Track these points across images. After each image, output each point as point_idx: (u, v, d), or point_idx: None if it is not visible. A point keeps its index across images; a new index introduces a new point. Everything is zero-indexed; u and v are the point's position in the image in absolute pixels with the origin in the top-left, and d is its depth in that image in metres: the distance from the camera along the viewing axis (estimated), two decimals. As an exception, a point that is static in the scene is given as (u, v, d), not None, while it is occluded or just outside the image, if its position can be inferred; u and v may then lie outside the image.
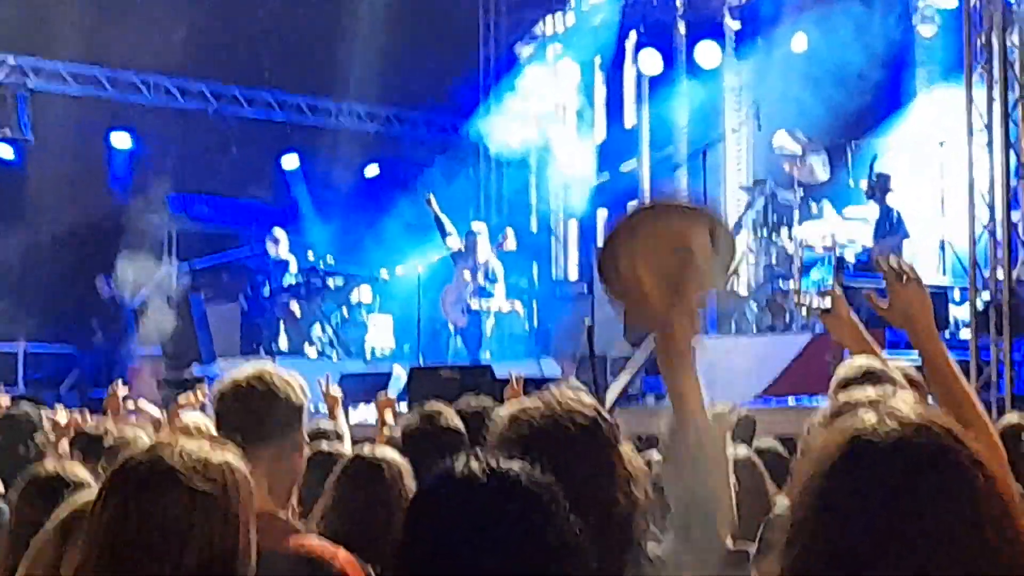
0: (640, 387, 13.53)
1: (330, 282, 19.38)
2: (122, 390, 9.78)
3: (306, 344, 19.29)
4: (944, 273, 15.93)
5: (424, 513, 2.45)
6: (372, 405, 11.56)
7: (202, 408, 8.19)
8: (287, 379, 4.11)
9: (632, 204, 3.70)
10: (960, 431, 2.16)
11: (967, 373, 12.69)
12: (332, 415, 8.50)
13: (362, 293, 19.79)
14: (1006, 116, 13.67)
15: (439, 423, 5.80)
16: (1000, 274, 13.50)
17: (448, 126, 24.04)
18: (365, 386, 15.21)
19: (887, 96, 18.61)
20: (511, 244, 18.50)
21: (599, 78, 22.43)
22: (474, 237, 18.34)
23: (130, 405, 9.29)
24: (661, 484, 3.45)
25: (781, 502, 6.20)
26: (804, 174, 16.38)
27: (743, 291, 16.89)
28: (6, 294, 20.18)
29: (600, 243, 3.56)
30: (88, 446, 8.22)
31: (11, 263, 20.88)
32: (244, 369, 4.17)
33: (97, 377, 19.05)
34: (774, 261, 15.90)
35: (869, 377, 4.69)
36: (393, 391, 14.74)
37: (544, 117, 22.68)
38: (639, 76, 21.81)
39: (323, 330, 19.56)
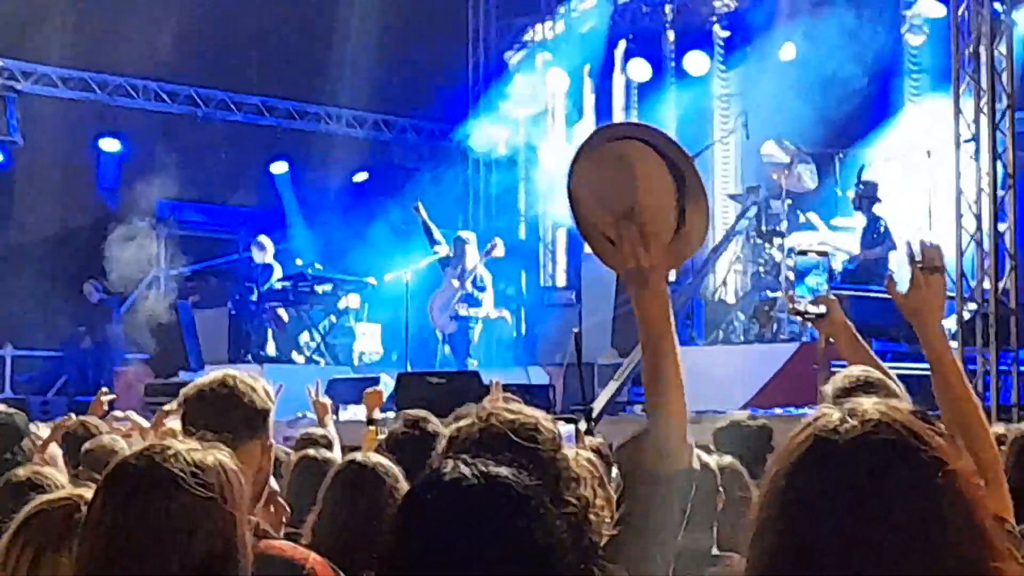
0: (628, 396, 13.54)
1: (318, 288, 19.36)
2: (108, 397, 9.78)
3: (294, 351, 19.28)
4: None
5: (414, 515, 2.47)
6: (361, 405, 11.57)
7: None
8: (251, 383, 4.14)
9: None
10: (921, 428, 2.16)
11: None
12: (321, 422, 8.51)
13: (350, 300, 19.78)
14: (993, 126, 13.71)
15: (424, 429, 5.81)
16: (987, 284, 13.54)
17: (437, 132, 24.05)
18: (353, 391, 15.21)
19: (875, 105, 18.66)
20: (499, 252, 18.51)
21: (588, 86, 22.43)
22: (462, 244, 18.35)
23: (118, 413, 9.28)
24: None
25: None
26: (792, 183, 16.41)
27: (731, 300, 16.92)
28: (-7, 297, 20.16)
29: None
30: (74, 446, 8.24)
31: (-1, 266, 20.88)
32: (209, 375, 4.20)
33: (84, 382, 19.03)
34: (762, 270, 15.92)
35: (867, 387, 4.69)
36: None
37: (533, 125, 22.70)
38: (628, 84, 21.84)
39: (311, 337, 19.55)
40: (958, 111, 13.93)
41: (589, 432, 8.01)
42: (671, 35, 21.43)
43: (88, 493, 3.63)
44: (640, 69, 21.15)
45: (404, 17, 21.29)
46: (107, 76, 21.03)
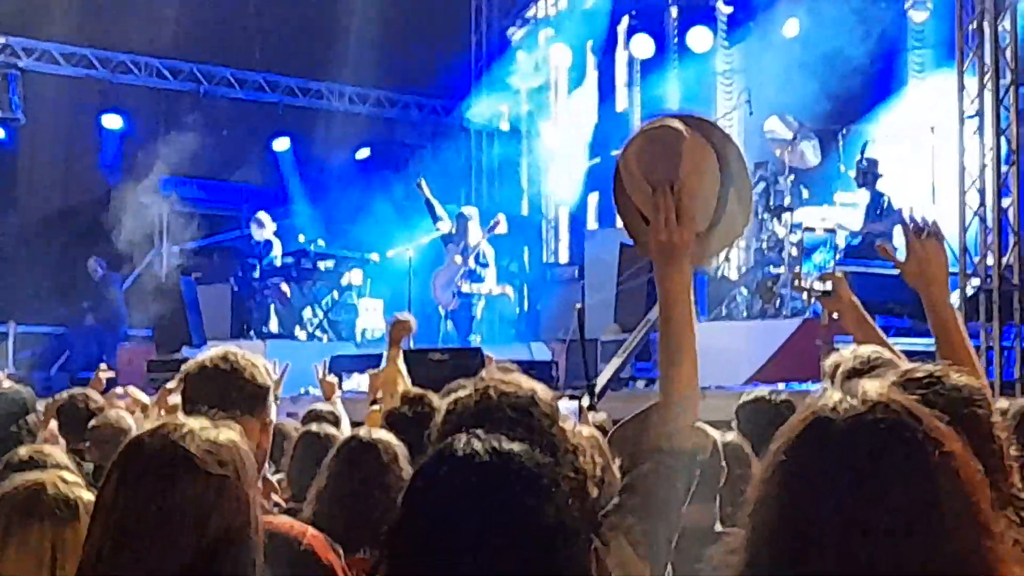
0: (631, 371, 13.54)
1: (321, 265, 19.36)
2: (107, 373, 9.78)
3: (297, 327, 19.29)
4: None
5: (424, 490, 2.46)
6: (364, 374, 11.56)
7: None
8: (252, 360, 4.15)
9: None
10: (921, 410, 2.17)
11: (957, 359, 12.69)
12: (329, 401, 8.50)
13: (353, 276, 19.78)
14: (997, 102, 13.68)
15: (423, 407, 5.81)
16: (990, 260, 13.52)
17: (440, 109, 24.03)
18: (356, 367, 15.23)
19: (878, 82, 18.63)
20: (502, 228, 18.49)
21: (591, 62, 22.40)
22: (465, 221, 18.33)
23: (119, 390, 9.29)
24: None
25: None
26: (795, 159, 16.39)
27: (733, 276, 16.91)
28: (-3, 273, 20.18)
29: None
30: (71, 419, 8.25)
31: (1, 244, 20.87)
32: (210, 351, 4.20)
33: (87, 358, 19.03)
34: (765, 246, 15.91)
35: (877, 368, 4.66)
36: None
37: (535, 101, 22.68)
38: (631, 60, 21.81)
39: (314, 313, 19.56)
40: (962, 87, 13.90)
41: (592, 408, 8.00)
42: (674, 11, 21.37)
43: (68, 475, 3.64)
44: (643, 45, 21.10)
45: (407, -7, 21.28)
46: (109, 53, 21.01)
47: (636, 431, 3.36)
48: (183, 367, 4.23)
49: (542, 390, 3.23)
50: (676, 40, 21.10)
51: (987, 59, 13.79)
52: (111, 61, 21.09)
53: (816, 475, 2.12)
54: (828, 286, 5.48)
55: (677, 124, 3.56)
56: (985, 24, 13.82)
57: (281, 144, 22.73)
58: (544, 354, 16.60)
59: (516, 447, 2.47)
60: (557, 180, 22.02)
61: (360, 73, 21.98)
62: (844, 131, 17.60)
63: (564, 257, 22.38)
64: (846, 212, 16.15)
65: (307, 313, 19.50)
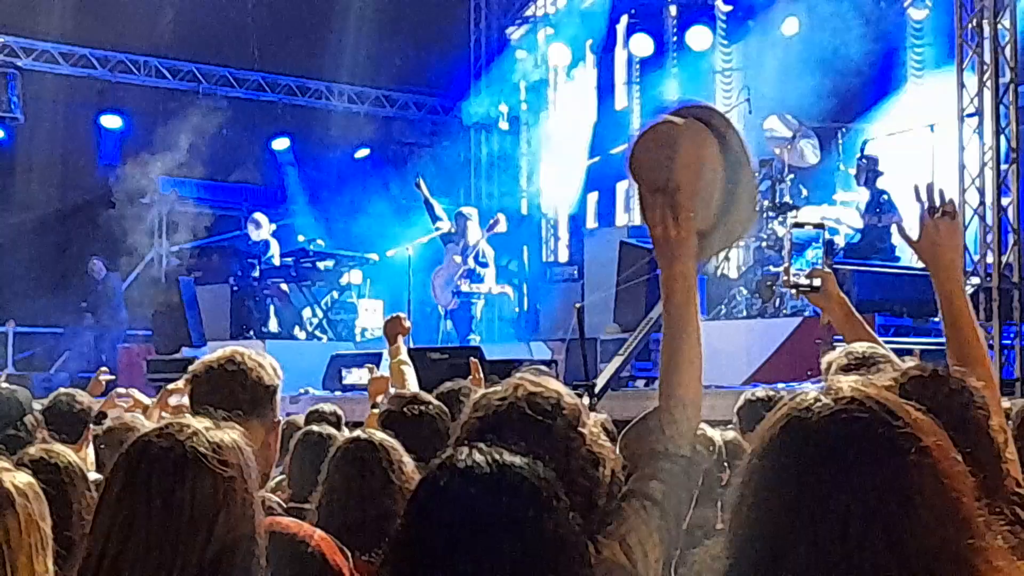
0: (631, 371, 13.53)
1: (320, 264, 19.34)
2: (107, 376, 9.78)
3: (296, 327, 19.28)
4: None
5: (426, 501, 2.46)
6: (364, 369, 11.54)
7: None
8: (259, 360, 4.14)
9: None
10: (897, 404, 2.15)
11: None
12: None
13: (352, 275, 19.78)
14: (997, 101, 13.67)
15: (416, 408, 5.80)
16: (990, 258, 13.51)
17: (439, 108, 24.03)
18: (356, 364, 15.23)
19: (878, 79, 18.62)
20: (502, 227, 18.48)
21: (590, 61, 22.41)
22: (465, 220, 18.32)
23: (120, 390, 9.29)
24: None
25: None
26: (794, 158, 16.38)
27: (733, 274, 16.89)
28: (-5, 274, 20.17)
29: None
30: (57, 419, 8.23)
31: (0, 243, 20.86)
32: (217, 352, 4.19)
33: (87, 359, 19.04)
34: (764, 245, 15.89)
35: (870, 363, 4.66)
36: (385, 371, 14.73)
37: (535, 100, 22.68)
38: (630, 59, 21.81)
39: (313, 313, 19.54)
40: (961, 85, 13.89)
41: (592, 408, 7.99)
42: (673, 10, 21.38)
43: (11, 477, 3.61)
44: (642, 44, 21.11)
45: (405, -7, 21.29)
46: (108, 53, 21.01)
47: (637, 436, 3.36)
48: (190, 367, 4.22)
49: (568, 396, 3.22)
50: (675, 39, 21.11)
51: (987, 57, 13.78)
52: (110, 61, 21.09)
53: (791, 475, 2.11)
54: (817, 282, 5.48)
55: (674, 118, 3.55)
56: (985, 22, 13.81)
57: (280, 144, 22.74)
58: (544, 353, 16.58)
59: (518, 460, 2.47)
60: (556, 179, 22.03)
61: (359, 72, 21.99)
62: (843, 129, 17.61)
63: (563, 256, 22.38)
64: (846, 210, 16.14)
65: (307, 313, 19.48)
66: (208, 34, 21.05)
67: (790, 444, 2.14)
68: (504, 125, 23.35)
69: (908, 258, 14.86)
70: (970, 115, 13.81)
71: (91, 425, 8.26)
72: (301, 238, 20.29)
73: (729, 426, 6.28)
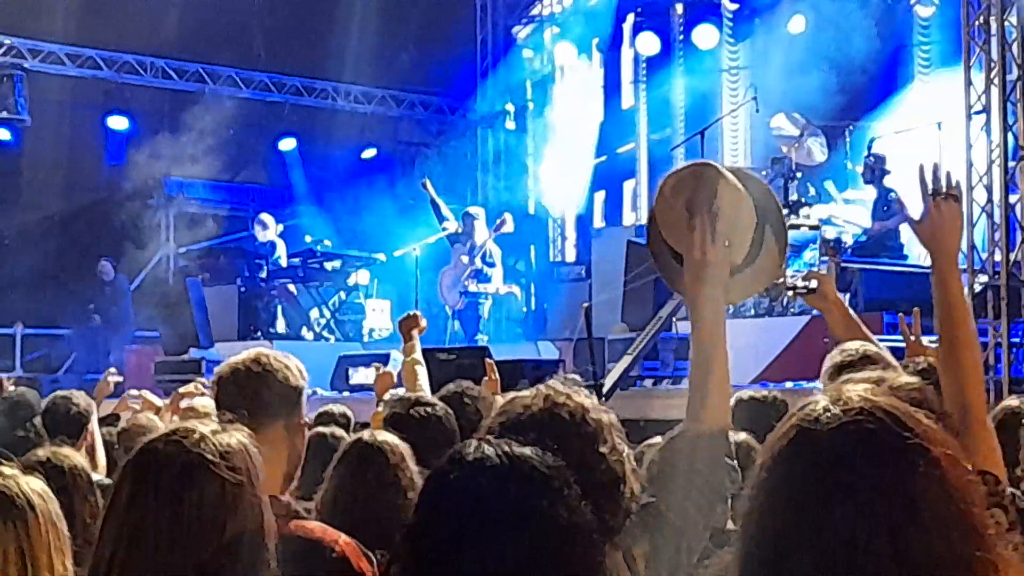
0: (639, 370, 13.52)
1: (327, 265, 19.35)
2: (116, 377, 9.77)
3: (304, 328, 19.28)
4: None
5: (437, 495, 2.47)
6: (371, 368, 11.52)
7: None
8: (284, 361, 4.13)
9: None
10: (906, 414, 2.13)
11: (965, 356, 12.66)
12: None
13: (359, 276, 19.77)
14: (1004, 98, 13.63)
15: (422, 411, 5.80)
16: (998, 256, 13.48)
17: (445, 108, 24.02)
18: (363, 364, 15.22)
19: (884, 77, 18.60)
20: (509, 227, 18.48)
21: (596, 60, 22.41)
22: (471, 220, 18.33)
23: (133, 392, 9.28)
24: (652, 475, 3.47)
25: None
26: (801, 156, 16.37)
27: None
28: (3, 276, 20.17)
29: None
30: (55, 420, 8.23)
31: (7, 245, 20.87)
32: (242, 353, 4.17)
33: (94, 360, 19.05)
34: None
35: (865, 361, 4.67)
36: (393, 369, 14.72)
37: (541, 99, 22.68)
38: (636, 58, 21.81)
39: (321, 313, 19.55)
40: (968, 82, 13.86)
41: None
42: (679, 8, 21.36)
43: (6, 468, 3.63)
44: (648, 43, 21.10)
45: (411, -8, 21.28)
46: (114, 54, 21.01)
47: (662, 457, 3.36)
48: (215, 370, 4.22)
49: (594, 410, 3.20)
50: (682, 37, 21.09)
51: (994, 54, 13.75)
52: (116, 62, 21.09)
53: (799, 486, 2.10)
54: (813, 284, 5.48)
55: (710, 168, 3.61)
56: (992, 19, 13.79)
57: (287, 144, 22.75)
58: (551, 353, 16.59)
59: (528, 450, 2.48)
60: (563, 178, 22.02)
61: (365, 72, 21.98)
62: (851, 127, 17.58)
63: (571, 256, 22.37)
64: (853, 209, 16.11)
65: (314, 313, 19.49)
66: (214, 35, 21.05)
67: (798, 455, 2.13)
68: (510, 124, 23.35)
69: (916, 257, 14.84)
70: (977, 112, 13.78)
71: (89, 426, 8.26)
72: (308, 238, 20.30)
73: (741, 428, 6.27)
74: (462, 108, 23.80)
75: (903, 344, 5.29)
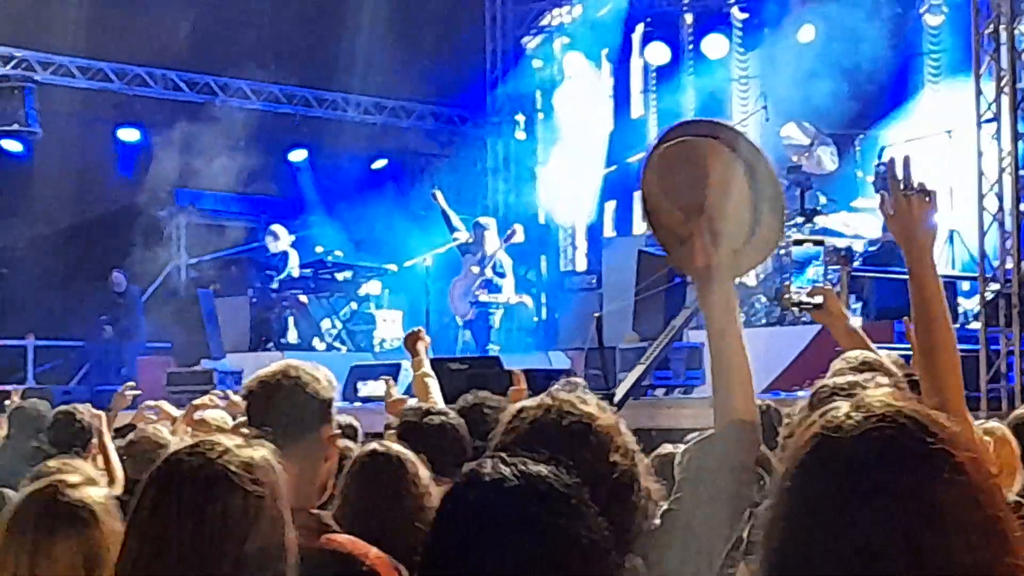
0: (651, 379, 13.52)
1: (338, 276, 19.37)
2: (133, 391, 9.80)
3: (315, 338, 19.29)
4: (953, 264, 15.89)
5: (455, 516, 2.46)
6: (380, 381, 11.53)
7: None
8: (314, 373, 4.11)
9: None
10: (930, 419, 2.12)
11: (976, 365, 12.67)
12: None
13: (370, 286, 19.79)
14: (1014, 106, 13.63)
15: (434, 421, 5.80)
16: (1009, 264, 13.47)
17: (455, 118, 24.04)
18: (373, 375, 15.23)
19: (895, 86, 18.61)
20: (519, 237, 18.49)
21: (606, 70, 22.42)
22: (482, 230, 18.34)
23: (150, 402, 9.31)
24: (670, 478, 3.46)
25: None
26: (812, 165, 16.37)
27: (751, 282, 16.87)
28: (15, 288, 20.20)
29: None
30: (60, 432, 8.25)
31: (19, 257, 20.90)
32: (271, 365, 4.17)
33: (106, 372, 19.08)
34: (783, 252, 15.87)
35: (864, 368, 4.70)
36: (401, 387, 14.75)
37: (551, 109, 22.69)
38: (646, 67, 21.83)
39: (332, 324, 19.56)
40: (979, 91, 13.86)
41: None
42: (689, 18, 21.40)
43: (70, 477, 3.65)
44: (658, 52, 21.13)
45: (421, 3, 21.28)
46: (125, 66, 21.04)
47: (688, 460, 3.35)
48: (244, 383, 4.20)
49: (602, 415, 3.20)
50: (691, 47, 21.12)
51: (1004, 63, 13.75)
52: (127, 74, 21.12)
53: (821, 494, 2.09)
54: (818, 299, 5.48)
55: (696, 138, 3.53)
56: (1002, 28, 13.79)
57: (298, 155, 22.77)
58: (563, 362, 16.58)
59: (544, 469, 2.46)
60: (573, 188, 22.02)
61: (376, 83, 22.00)
62: (861, 136, 17.58)
63: (581, 265, 22.37)
64: (864, 218, 16.10)
65: (325, 324, 19.51)
66: (224, 46, 21.08)
67: (820, 464, 2.12)
68: (520, 134, 23.36)
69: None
70: (988, 121, 13.77)
71: (94, 439, 8.28)
72: (319, 249, 20.31)
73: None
74: (472, 118, 23.81)
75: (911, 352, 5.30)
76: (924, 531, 2.03)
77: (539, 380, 12.50)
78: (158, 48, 20.82)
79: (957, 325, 14.11)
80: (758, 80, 19.91)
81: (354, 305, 19.74)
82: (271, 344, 18.61)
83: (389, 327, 19.58)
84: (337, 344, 19.30)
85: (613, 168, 21.44)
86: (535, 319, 20.85)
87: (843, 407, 2.16)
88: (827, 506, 2.07)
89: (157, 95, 21.41)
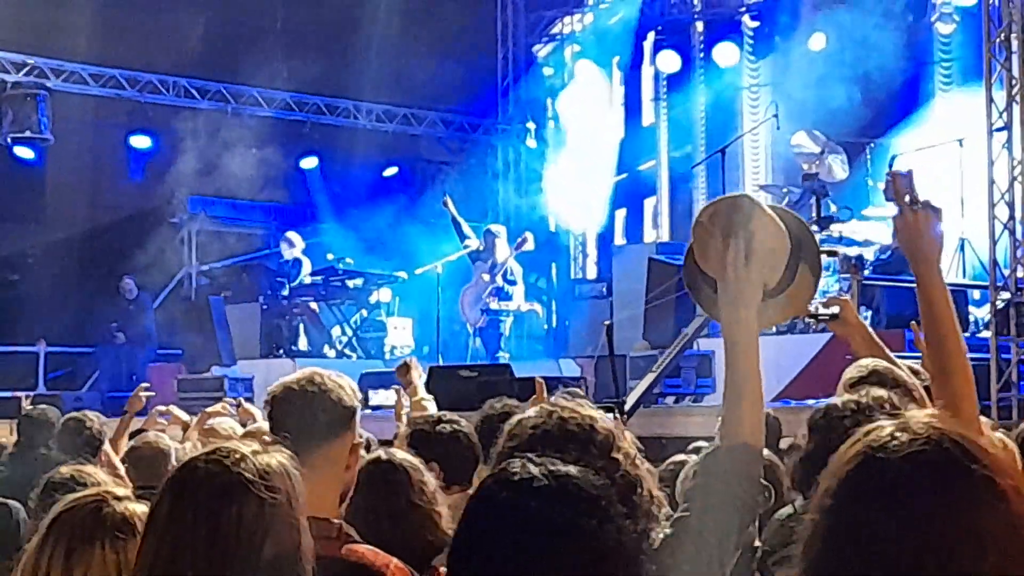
0: (661, 387, 13.52)
1: (349, 283, 19.39)
2: (146, 394, 9.81)
3: (326, 345, 19.31)
4: (964, 273, 15.87)
5: (486, 517, 2.45)
6: (390, 390, 11.54)
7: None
8: (338, 381, 4.10)
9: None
10: (973, 444, 2.12)
11: (987, 374, 12.64)
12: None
13: (381, 294, 19.80)
14: (1026, 114, 13.62)
15: (445, 428, 5.80)
16: (1020, 273, 13.46)
17: (466, 126, 24.05)
18: (383, 383, 15.23)
19: (906, 94, 18.59)
20: (530, 245, 18.50)
21: (617, 77, 22.43)
22: (493, 238, 18.35)
23: (161, 408, 9.31)
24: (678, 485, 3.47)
25: (799, 502, 6.20)
26: (823, 173, 16.35)
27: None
28: (26, 294, 20.24)
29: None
30: (70, 438, 8.26)
31: (31, 263, 20.95)
32: (295, 373, 4.18)
33: (117, 378, 19.10)
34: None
35: (876, 377, 4.72)
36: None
37: (562, 117, 22.69)
38: (657, 75, 21.84)
39: (343, 331, 19.58)
40: (990, 100, 13.85)
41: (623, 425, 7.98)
42: (700, 26, 21.40)
43: (118, 490, 3.66)
44: (669, 60, 21.13)
45: (432, 11, 21.31)
46: (137, 73, 21.07)
47: (693, 476, 3.36)
48: (268, 389, 4.19)
49: (602, 420, 3.21)
50: (702, 55, 21.12)
51: (1015, 71, 13.74)
52: (139, 81, 21.15)
53: (864, 512, 2.10)
54: (835, 310, 5.48)
55: (745, 199, 3.67)
56: (1013, 36, 13.78)
57: (309, 162, 22.78)
58: (573, 370, 16.58)
59: (572, 469, 2.45)
60: (584, 196, 22.02)
61: (387, 91, 22.03)
62: (872, 144, 17.56)
63: (592, 273, 22.37)
64: (875, 226, 16.08)
65: (336, 331, 19.52)
66: (236, 54, 21.10)
67: (864, 481, 2.13)
68: (531, 142, 23.36)
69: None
70: (999, 129, 13.76)
71: (104, 446, 8.28)
72: (330, 256, 20.32)
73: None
74: (483, 126, 23.83)
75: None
76: (964, 556, 2.04)
77: (549, 388, 12.53)
78: (170, 55, 20.86)
79: (968, 334, 14.08)
80: (769, 88, 19.91)
81: (365, 312, 19.76)
82: (282, 351, 18.63)
83: (400, 334, 19.59)
84: (347, 351, 19.31)
85: (624, 176, 21.47)
86: (545, 327, 20.85)
87: (887, 426, 2.17)
88: (868, 525, 2.08)
89: (169, 102, 21.43)
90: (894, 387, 4.62)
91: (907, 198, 3.98)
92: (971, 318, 15.07)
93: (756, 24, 20.53)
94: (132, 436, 8.47)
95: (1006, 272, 13.64)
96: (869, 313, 14.39)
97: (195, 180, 20.70)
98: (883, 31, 17.77)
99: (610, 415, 3.56)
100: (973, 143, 14.98)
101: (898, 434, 2.14)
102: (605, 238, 22.13)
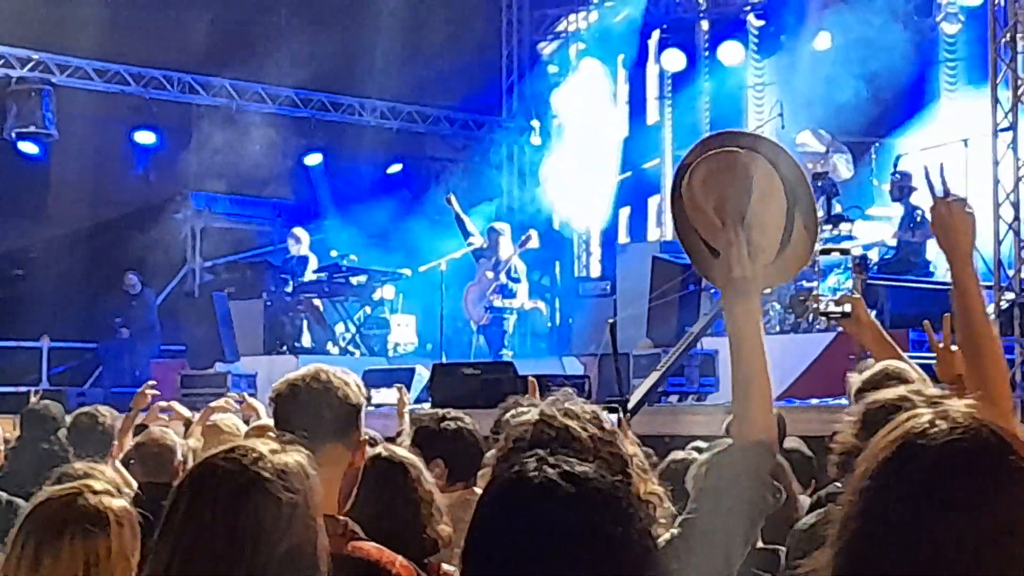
0: (664, 386, 13.51)
1: (353, 280, 19.38)
2: (153, 392, 9.82)
3: (329, 342, 19.31)
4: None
5: (504, 519, 2.40)
6: (392, 389, 11.57)
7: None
8: (344, 378, 4.08)
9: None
10: (1008, 434, 2.15)
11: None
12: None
13: (385, 291, 19.80)
14: (1031, 115, 13.61)
15: (450, 426, 5.81)
16: (1024, 273, 13.45)
17: (471, 123, 24.04)
18: (386, 381, 15.23)
19: (910, 94, 18.58)
20: (534, 243, 18.50)
21: (622, 75, 22.43)
22: (496, 235, 18.34)
23: (163, 404, 9.32)
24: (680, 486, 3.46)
25: (804, 502, 6.20)
26: (827, 172, 16.34)
27: (766, 289, 16.85)
28: (30, 289, 20.25)
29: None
30: (80, 433, 8.26)
31: (35, 258, 20.96)
32: (301, 369, 4.16)
33: (120, 374, 19.11)
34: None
35: (890, 377, 4.70)
36: (414, 392, 14.79)
37: (566, 115, 22.69)
38: (662, 74, 21.83)
39: (346, 328, 19.58)
40: (995, 100, 13.84)
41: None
42: (705, 25, 21.40)
43: (96, 484, 3.66)
44: (674, 59, 21.12)
45: (437, 8, 21.30)
46: (142, 69, 21.06)
47: (704, 472, 3.35)
48: (273, 386, 4.16)
49: (597, 421, 3.21)
50: (707, 54, 21.11)
51: (1020, 72, 13.73)
52: (143, 77, 21.14)
53: (903, 498, 2.12)
54: (847, 308, 5.47)
55: (740, 150, 3.52)
56: (1019, 37, 13.77)
57: (313, 159, 22.79)
58: (576, 368, 16.58)
59: (588, 469, 2.41)
60: (588, 194, 22.02)
61: (391, 88, 22.02)
62: (877, 144, 17.56)
63: (596, 271, 22.37)
64: (880, 226, 16.08)
65: (339, 328, 19.52)
66: (241, 50, 21.11)
67: (903, 467, 2.15)
68: (535, 140, 23.36)
69: (943, 274, 14.79)
70: (1004, 130, 13.75)
71: (115, 442, 8.29)
72: (334, 253, 20.32)
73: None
74: (487, 123, 23.83)
75: (930, 360, 5.28)
76: (996, 544, 2.06)
77: (552, 386, 12.54)
78: (175, 51, 20.86)
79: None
80: (774, 87, 19.90)
81: (368, 309, 19.76)
82: (285, 348, 18.63)
83: (403, 332, 19.60)
84: (351, 348, 19.31)
85: (628, 174, 21.46)
86: (549, 325, 20.85)
87: (927, 414, 2.19)
88: (904, 509, 2.10)
89: (174, 98, 21.43)
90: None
91: (941, 191, 4.01)
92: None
93: (761, 23, 20.52)
94: (136, 432, 8.47)
95: (1010, 272, 13.63)
96: (873, 313, 14.37)
97: (199, 176, 20.71)
98: (888, 31, 17.76)
99: (614, 414, 3.53)
100: (978, 143, 14.95)
101: (938, 422, 2.17)
102: (609, 236, 22.13)
